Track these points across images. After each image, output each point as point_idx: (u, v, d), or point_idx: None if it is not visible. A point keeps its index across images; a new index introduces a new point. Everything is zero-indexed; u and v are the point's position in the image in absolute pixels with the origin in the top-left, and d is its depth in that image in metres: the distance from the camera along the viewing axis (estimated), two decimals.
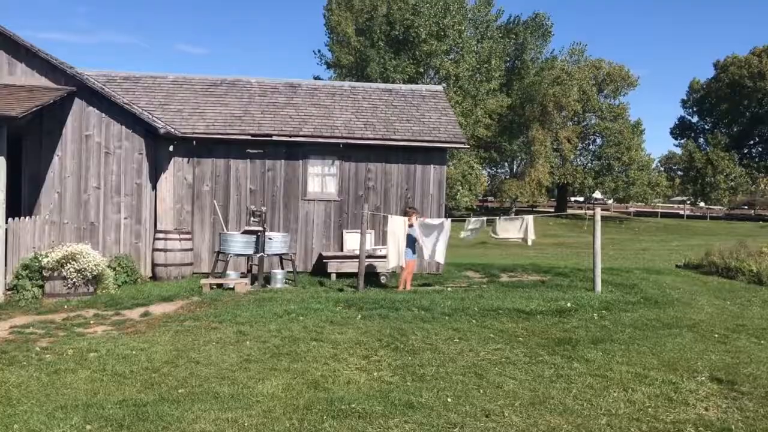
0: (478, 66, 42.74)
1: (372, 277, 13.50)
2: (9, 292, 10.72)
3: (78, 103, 12.88)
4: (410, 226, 12.52)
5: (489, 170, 60.02)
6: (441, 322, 9.08)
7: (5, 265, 10.75)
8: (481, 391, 6.22)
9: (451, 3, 40.81)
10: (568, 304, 10.41)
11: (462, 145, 15.66)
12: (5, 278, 10.75)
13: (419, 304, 10.10)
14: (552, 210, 60.45)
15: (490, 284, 13.60)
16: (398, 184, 15.09)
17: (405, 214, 13.04)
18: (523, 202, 54.62)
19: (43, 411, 5.43)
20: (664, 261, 20.17)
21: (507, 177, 57.66)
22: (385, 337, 8.17)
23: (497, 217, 13.57)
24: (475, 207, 51.00)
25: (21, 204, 12.65)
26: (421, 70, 41.11)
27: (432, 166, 15.15)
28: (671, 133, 72.63)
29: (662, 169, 69.90)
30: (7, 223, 10.81)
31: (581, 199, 78.45)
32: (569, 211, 53.94)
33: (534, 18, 52.38)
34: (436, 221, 12.97)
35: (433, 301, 10.37)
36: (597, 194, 62.75)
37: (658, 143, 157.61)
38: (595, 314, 9.92)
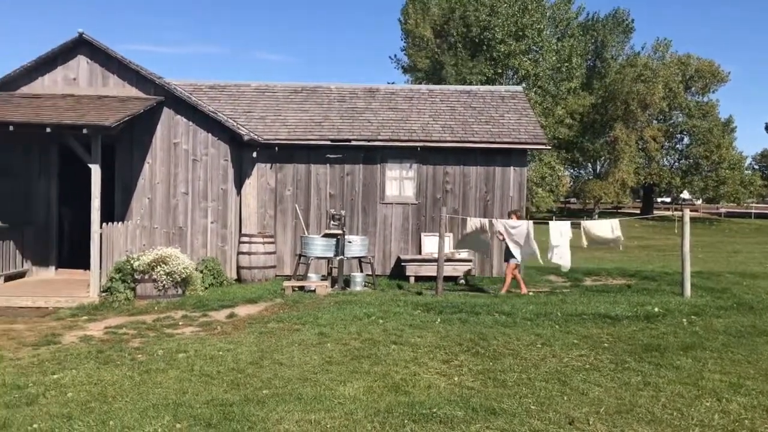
0: (558, 65, 41.92)
1: (451, 280, 13.43)
2: (103, 294, 11.26)
3: (166, 112, 13.40)
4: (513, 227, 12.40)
5: (571, 171, 58.67)
6: (523, 327, 8.93)
7: (100, 268, 11.30)
8: (565, 397, 6.07)
9: (529, 2, 40.21)
10: (656, 309, 10.04)
11: (543, 146, 15.40)
12: (100, 280, 11.29)
13: (500, 309, 9.96)
14: (637, 211, 58.53)
15: (573, 288, 13.30)
16: (477, 187, 14.96)
17: (509, 216, 12.96)
18: (606, 204, 53.09)
19: (136, 409, 5.66)
20: (759, 264, 19.19)
21: (590, 178, 56.20)
22: (465, 341, 8.11)
23: (582, 227, 13.05)
24: (555, 209, 50.00)
25: (114, 209, 13.27)
26: (499, 71, 40.67)
27: (512, 167, 14.95)
28: (767, 129, 69.05)
29: (756, 167, 66.50)
30: (101, 228, 11.36)
31: (668, 199, 75.62)
32: (655, 213, 52.04)
33: (614, 14, 50.93)
34: (518, 223, 12.77)
35: (515, 306, 10.21)
36: (685, 194, 60.28)
37: (753, 141, 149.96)
38: (684, 320, 9.52)
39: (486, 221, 12.53)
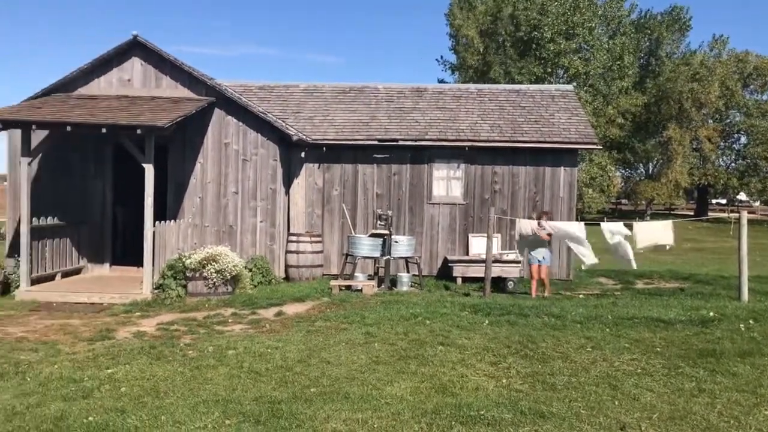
0: (609, 64, 41.12)
1: (499, 282, 13.31)
2: (156, 291, 11.50)
3: (217, 113, 13.62)
4: (543, 229, 12.23)
5: (622, 171, 57.49)
6: (572, 330, 8.78)
7: (153, 265, 11.56)
8: (616, 402, 5.94)
9: (580, 0, 39.57)
10: (711, 314, 9.74)
11: (594, 146, 15.14)
12: (153, 278, 11.54)
13: (549, 311, 9.82)
14: (691, 213, 57.07)
15: (624, 291, 13.04)
16: (526, 187, 14.78)
17: (537, 217, 12.75)
18: (659, 205, 51.87)
19: (187, 404, 5.76)
20: None
21: (642, 178, 55.00)
22: (513, 343, 8.01)
23: (632, 229, 12.77)
24: (607, 210, 49.10)
25: (166, 208, 13.55)
26: (549, 70, 40.14)
27: (562, 168, 14.72)
28: None
29: None
30: (154, 226, 11.62)
31: (723, 201, 73.45)
32: (710, 215, 50.63)
33: (670, 11, 49.70)
34: (566, 225, 12.59)
35: (564, 309, 10.05)
36: (742, 196, 58.42)
37: None
38: (741, 325, 9.21)
39: (534, 223, 12.38)
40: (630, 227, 12.41)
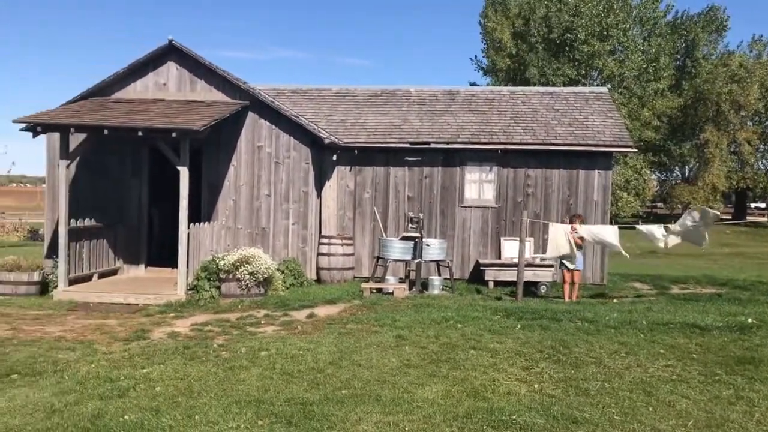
0: (644, 65, 40.51)
1: (531, 286, 13.20)
2: (190, 292, 11.65)
3: (251, 116, 13.75)
4: (575, 232, 12.10)
5: (658, 175, 56.58)
6: (606, 335, 8.66)
7: (187, 266, 11.71)
8: (651, 409, 5.85)
9: (614, 1, 39.09)
10: (750, 320, 9.52)
11: (628, 149, 14.96)
12: (187, 279, 11.69)
13: (582, 316, 9.70)
14: (729, 217, 55.93)
15: (659, 296, 12.84)
16: (559, 190, 14.64)
17: (570, 221, 12.62)
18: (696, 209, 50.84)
19: (220, 404, 5.82)
20: None
21: (678, 182, 54.07)
22: (546, 348, 7.94)
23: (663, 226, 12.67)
24: (642, 214, 48.38)
25: (200, 210, 13.72)
26: (582, 72, 39.72)
27: (596, 171, 14.55)
28: None
29: None
30: (189, 228, 11.77)
31: (762, 205, 71.87)
32: (749, 219, 49.56)
33: (707, 11, 48.77)
34: (601, 228, 12.44)
35: (598, 313, 9.92)
36: None
37: None
38: None
39: (568, 227, 12.26)
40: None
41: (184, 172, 11.58)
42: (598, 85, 36.55)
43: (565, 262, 12.26)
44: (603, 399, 6.09)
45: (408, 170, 14.84)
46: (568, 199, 14.62)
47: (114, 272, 13.68)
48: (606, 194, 14.65)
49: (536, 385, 6.53)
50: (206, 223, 12.97)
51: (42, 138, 12.84)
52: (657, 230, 12.42)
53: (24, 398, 6.12)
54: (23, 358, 7.59)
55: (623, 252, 11.97)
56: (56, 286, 11.88)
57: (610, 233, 12.11)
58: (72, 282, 12.08)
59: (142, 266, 14.14)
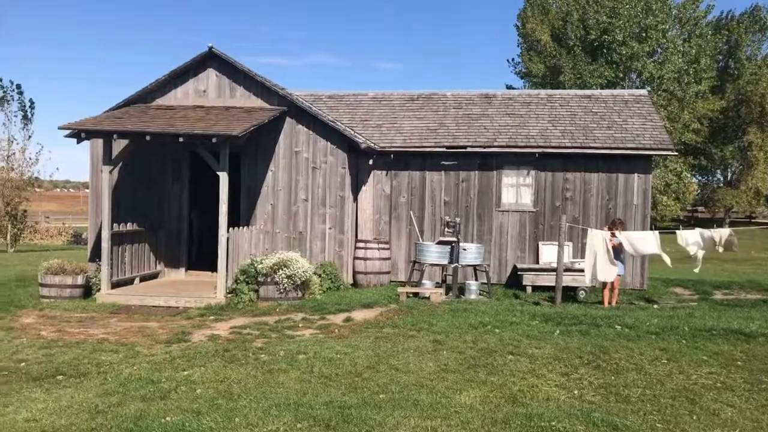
0: (685, 67, 39.76)
1: (570, 291, 13.04)
2: (229, 295, 11.79)
3: (288, 122, 13.88)
4: (615, 237, 11.92)
5: (699, 178, 55.48)
6: (647, 341, 8.53)
7: (226, 270, 11.86)
8: (694, 417, 5.75)
9: (653, 2, 38.45)
10: None
11: (669, 152, 14.70)
12: (226, 282, 11.84)
13: (622, 322, 9.57)
14: None
15: (701, 302, 12.57)
16: (598, 194, 14.46)
17: (611, 225, 12.44)
18: (738, 213, 49.78)
19: (260, 407, 5.88)
20: None
21: (719, 185, 52.92)
22: (585, 354, 7.85)
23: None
24: (682, 218, 47.46)
25: (239, 215, 13.89)
26: (621, 74, 39.15)
27: (636, 174, 14.33)
28: None
29: None
30: (228, 232, 11.92)
31: None
32: None
33: (751, 11, 47.69)
34: (641, 234, 12.25)
35: (638, 319, 9.77)
36: None
37: None
38: None
39: (607, 233, 12.09)
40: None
41: (223, 177, 11.75)
42: (636, 88, 36.04)
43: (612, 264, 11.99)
44: (644, 406, 6.01)
45: (444, 174, 14.81)
46: (607, 203, 14.43)
47: (155, 275, 13.92)
48: (646, 198, 14.42)
49: (576, 391, 6.47)
50: (245, 227, 13.13)
51: (85, 144, 13.15)
52: (694, 236, 12.17)
53: (69, 399, 6.27)
54: (68, 360, 7.79)
55: (666, 259, 11.75)
56: (99, 289, 12.13)
57: (651, 240, 11.89)
58: (114, 285, 12.33)
59: (183, 270, 14.36)
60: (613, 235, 11.92)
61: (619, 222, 12.56)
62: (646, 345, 8.35)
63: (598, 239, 11.82)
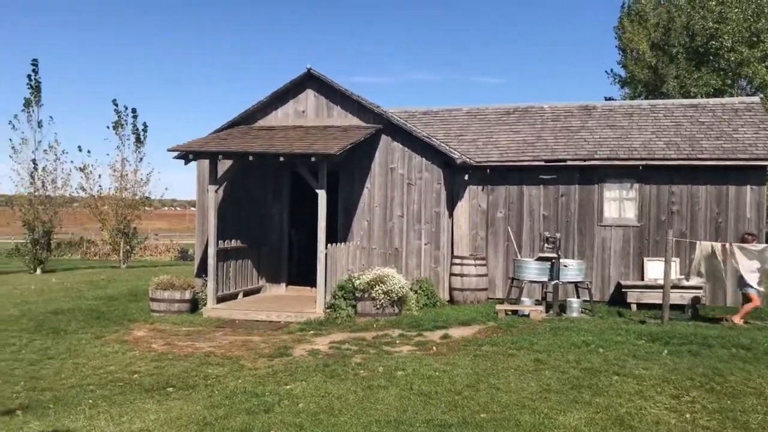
0: None
1: (677, 309, 12.44)
2: (328, 310, 11.99)
3: (384, 139, 14.03)
4: (733, 255, 11.28)
5: None
6: (766, 363, 8.01)
7: (325, 285, 12.07)
8: None
9: (765, 4, 36.45)
10: None
11: None
12: (325, 297, 12.05)
13: (737, 342, 9.04)
14: None
15: None
16: (707, 208, 13.75)
17: (743, 240, 11.83)
18: None
19: (360, 423, 5.92)
20: None
21: None
22: (697, 376, 7.46)
23: None
24: None
25: (336, 231, 14.13)
26: (729, 81, 37.24)
27: (748, 186, 13.54)
28: None
29: None
30: (326, 248, 12.15)
31: None
32: None
33: None
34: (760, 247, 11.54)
35: (755, 339, 9.20)
36: None
37: None
38: None
39: (718, 245, 11.48)
40: None
41: (322, 195, 12.00)
42: (747, 95, 34.16)
43: (752, 283, 11.32)
44: None
45: (543, 188, 14.51)
46: (716, 217, 13.70)
47: (257, 291, 14.35)
48: (760, 211, 13.58)
49: (688, 415, 6.14)
50: (342, 243, 13.33)
51: (192, 164, 13.78)
52: None
53: (179, 410, 6.53)
54: (178, 372, 8.13)
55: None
56: (205, 303, 12.62)
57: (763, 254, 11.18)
58: (219, 300, 12.79)
59: (283, 285, 14.73)
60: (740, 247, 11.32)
61: (751, 237, 11.89)
62: (766, 367, 7.84)
63: (707, 251, 11.31)
